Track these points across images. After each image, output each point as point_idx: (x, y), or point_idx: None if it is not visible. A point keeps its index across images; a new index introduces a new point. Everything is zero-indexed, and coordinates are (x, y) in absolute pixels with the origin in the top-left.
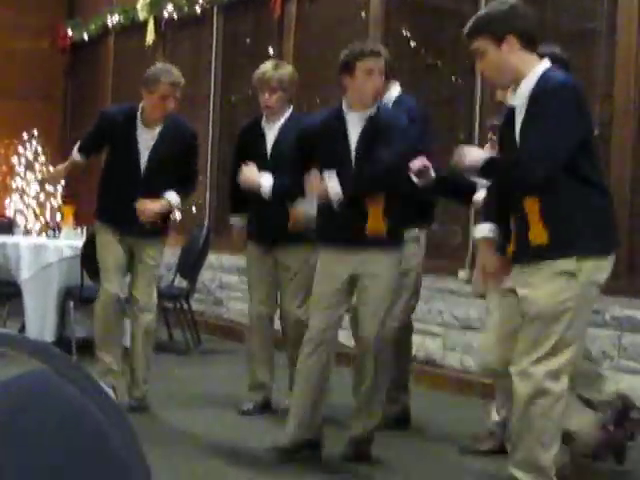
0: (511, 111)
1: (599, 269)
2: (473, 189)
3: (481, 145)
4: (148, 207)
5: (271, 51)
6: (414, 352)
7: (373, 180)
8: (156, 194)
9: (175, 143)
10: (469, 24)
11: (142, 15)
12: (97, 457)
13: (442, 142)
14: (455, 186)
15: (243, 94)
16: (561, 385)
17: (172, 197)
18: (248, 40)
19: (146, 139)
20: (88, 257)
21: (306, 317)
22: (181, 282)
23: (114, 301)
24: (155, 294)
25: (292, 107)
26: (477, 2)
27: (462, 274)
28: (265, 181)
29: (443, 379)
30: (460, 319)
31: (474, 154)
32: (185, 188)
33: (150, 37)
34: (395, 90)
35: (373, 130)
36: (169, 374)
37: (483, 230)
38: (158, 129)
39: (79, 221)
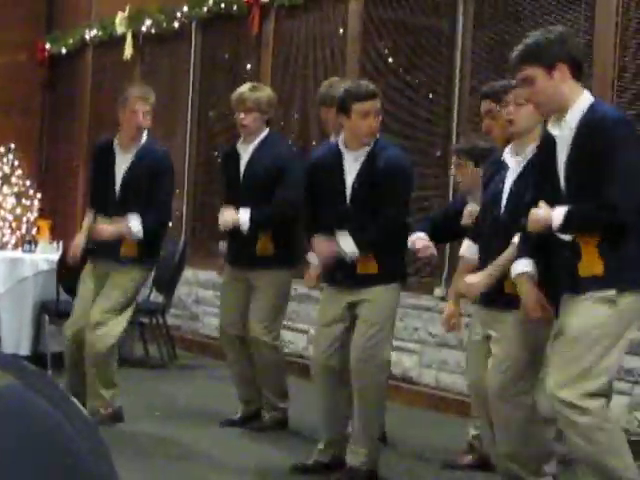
0: (550, 141)
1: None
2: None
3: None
4: (102, 227)
5: (249, 67)
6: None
7: (375, 241)
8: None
9: (145, 167)
10: (517, 52)
11: (120, 29)
12: (67, 473)
13: (419, 160)
14: (446, 232)
15: (221, 110)
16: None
17: (133, 223)
18: (226, 56)
19: (121, 163)
20: (64, 271)
21: (274, 341)
22: (157, 297)
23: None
24: (113, 318)
25: (268, 129)
26: (455, 20)
27: (438, 291)
28: (242, 217)
29: (418, 396)
30: (436, 336)
31: (545, 214)
32: (147, 218)
33: (128, 52)
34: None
35: (370, 170)
36: (145, 389)
37: (523, 265)
38: (132, 153)
39: (55, 235)
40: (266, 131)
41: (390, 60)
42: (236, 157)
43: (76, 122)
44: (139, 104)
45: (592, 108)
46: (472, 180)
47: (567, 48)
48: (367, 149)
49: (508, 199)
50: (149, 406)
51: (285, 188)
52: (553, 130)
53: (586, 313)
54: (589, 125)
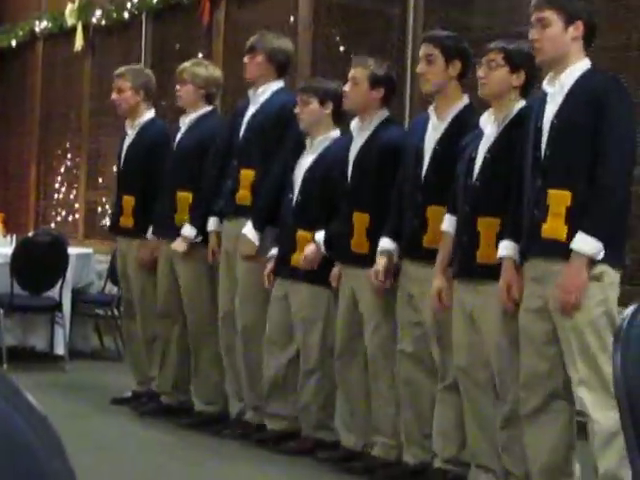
0: (537, 101)
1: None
2: None
3: None
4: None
5: (200, 56)
6: None
7: None
8: (131, 193)
9: (140, 145)
10: None
11: (70, 21)
12: (18, 467)
13: None
14: None
15: (173, 99)
16: None
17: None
18: (177, 46)
19: (127, 139)
20: (18, 265)
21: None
22: (112, 289)
23: None
24: None
25: (212, 107)
26: (405, 5)
27: None
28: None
29: None
30: None
31: (579, 274)
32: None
33: (79, 43)
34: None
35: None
36: (100, 381)
37: (509, 249)
38: (134, 130)
39: (8, 229)
40: (205, 108)
41: (341, 47)
42: (177, 130)
43: (27, 116)
44: (115, 82)
45: (589, 73)
46: (313, 118)
47: (591, 10)
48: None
49: (481, 167)
50: (104, 398)
51: None
52: (546, 87)
53: None
54: (584, 88)
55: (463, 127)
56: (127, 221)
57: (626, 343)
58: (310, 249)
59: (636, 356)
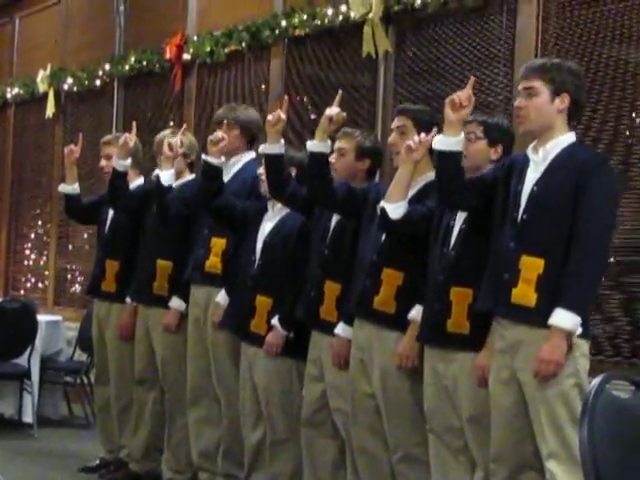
0: (520, 162)
1: None
2: None
3: None
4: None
5: (172, 124)
6: None
7: None
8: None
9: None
10: (534, 63)
11: (42, 87)
12: None
13: None
14: None
15: (145, 165)
16: None
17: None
18: (149, 113)
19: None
20: None
21: None
22: (81, 356)
23: None
24: None
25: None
26: (376, 77)
27: None
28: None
29: None
30: None
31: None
32: None
33: (50, 110)
34: None
35: None
36: (69, 449)
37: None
38: None
39: None
40: (190, 176)
41: (312, 116)
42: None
43: None
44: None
45: (575, 147)
46: None
47: (578, 85)
48: None
49: (457, 237)
50: (73, 466)
51: None
52: (530, 154)
53: None
54: (568, 161)
55: (424, 197)
56: (109, 285)
57: (592, 414)
58: (270, 336)
59: (602, 425)
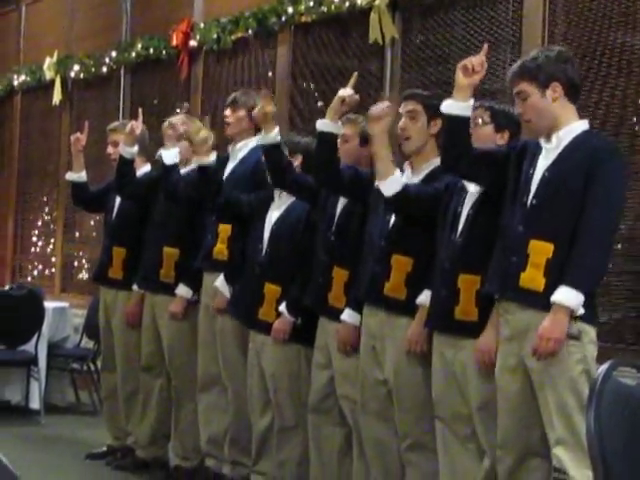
0: (533, 147)
1: None
2: None
3: None
4: None
5: (178, 111)
6: None
7: None
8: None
9: None
10: (515, 67)
11: (49, 75)
12: None
13: None
14: None
15: (151, 153)
16: None
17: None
18: (155, 100)
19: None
20: None
21: None
22: (88, 343)
23: None
24: None
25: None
26: (382, 64)
27: None
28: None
29: None
30: None
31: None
32: None
33: (57, 97)
34: None
35: None
36: (76, 435)
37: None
38: None
39: None
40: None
41: (319, 103)
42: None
43: (5, 169)
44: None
45: (587, 134)
46: None
47: (564, 68)
48: None
49: (465, 224)
50: (80, 453)
51: None
52: (542, 142)
53: None
54: (580, 149)
55: (433, 181)
56: (116, 272)
57: (599, 400)
58: (277, 323)
59: (609, 412)
